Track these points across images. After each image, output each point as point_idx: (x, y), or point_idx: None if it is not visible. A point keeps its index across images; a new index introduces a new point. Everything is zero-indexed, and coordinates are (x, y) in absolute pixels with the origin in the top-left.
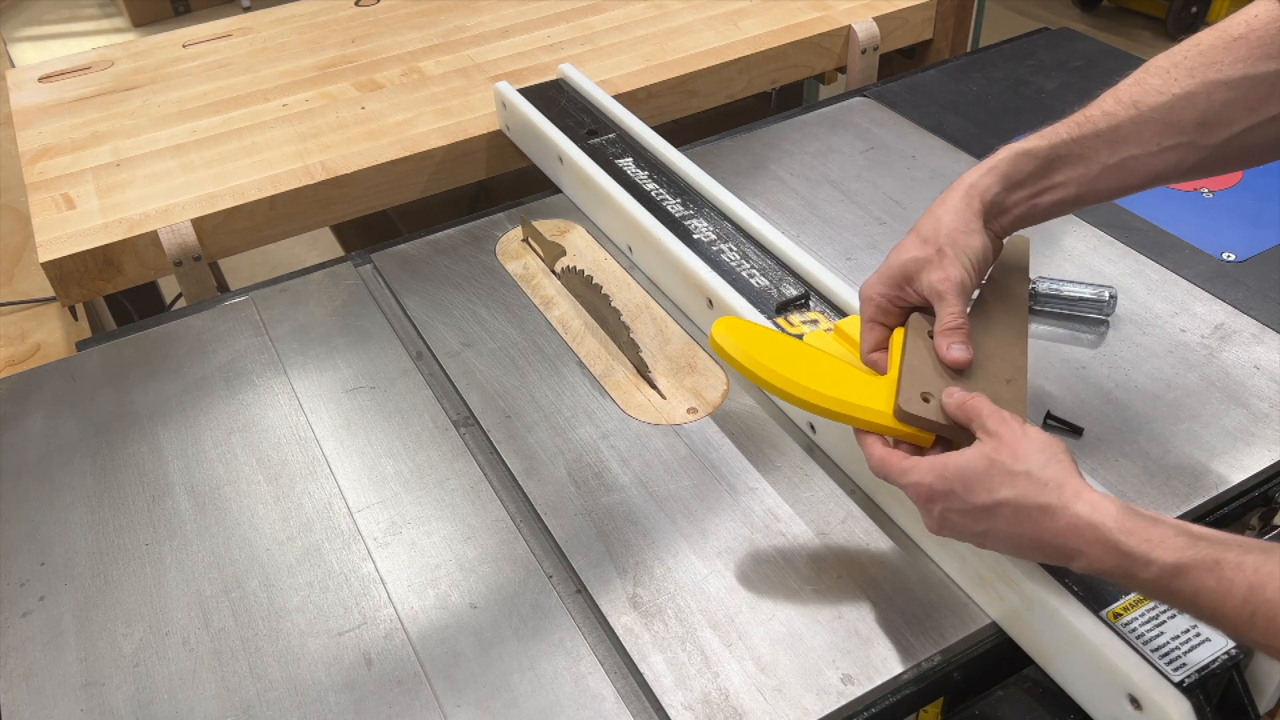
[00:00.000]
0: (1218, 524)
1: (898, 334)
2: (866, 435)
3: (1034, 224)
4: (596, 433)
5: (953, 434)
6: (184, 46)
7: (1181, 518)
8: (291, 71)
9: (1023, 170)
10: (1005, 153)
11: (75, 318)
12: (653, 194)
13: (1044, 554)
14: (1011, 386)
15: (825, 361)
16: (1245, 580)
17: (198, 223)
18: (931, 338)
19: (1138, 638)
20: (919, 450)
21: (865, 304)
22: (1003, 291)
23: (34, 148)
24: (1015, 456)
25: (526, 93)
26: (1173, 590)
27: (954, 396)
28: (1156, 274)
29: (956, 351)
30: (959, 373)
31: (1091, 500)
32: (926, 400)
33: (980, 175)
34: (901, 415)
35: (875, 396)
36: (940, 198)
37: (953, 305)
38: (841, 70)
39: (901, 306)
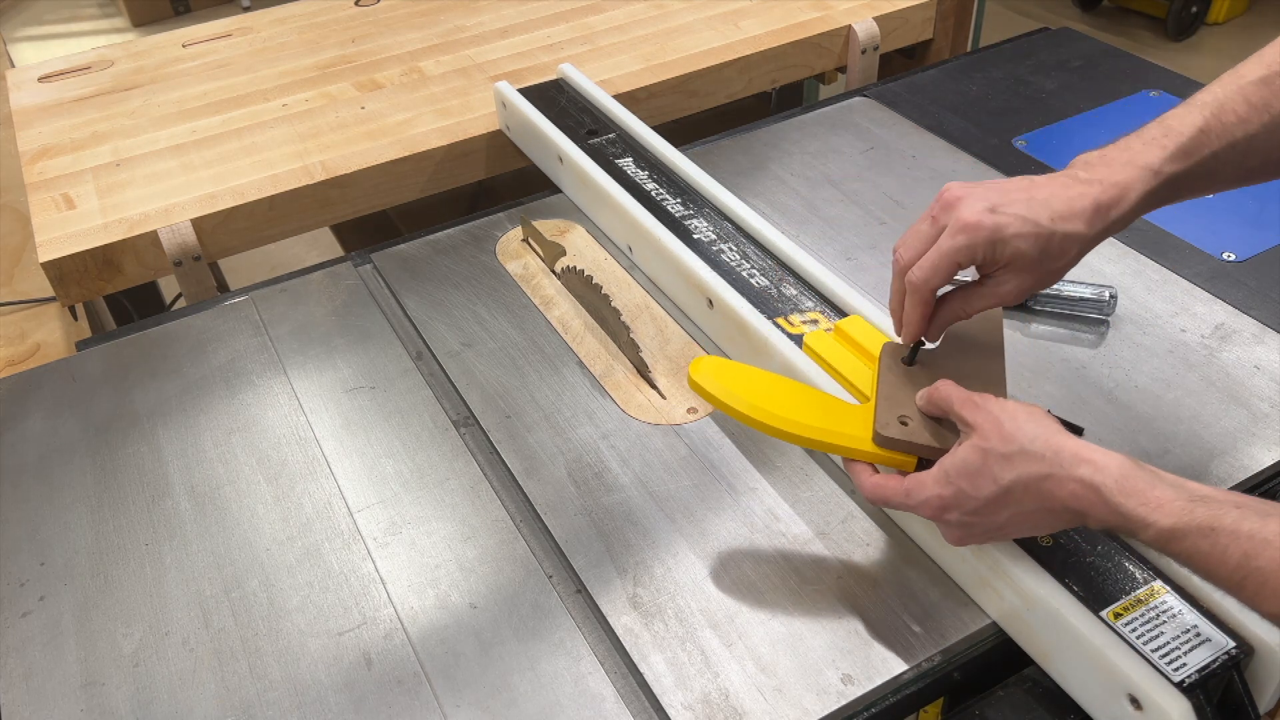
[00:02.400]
0: None
1: (873, 362)
2: (855, 464)
3: None
4: (596, 433)
5: (933, 454)
6: (184, 46)
7: None
8: (291, 71)
9: (1157, 197)
10: (1149, 180)
11: (75, 318)
12: (653, 194)
13: (1060, 521)
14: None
15: (804, 393)
16: (1239, 549)
17: (198, 223)
18: (905, 364)
19: (1138, 638)
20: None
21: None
22: (977, 320)
23: (34, 148)
24: (1004, 439)
25: (526, 93)
26: (1170, 551)
27: (926, 394)
28: (1156, 274)
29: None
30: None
31: (1092, 461)
32: (905, 424)
33: (1114, 200)
34: (880, 440)
35: (856, 424)
36: (1069, 199)
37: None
38: (841, 70)
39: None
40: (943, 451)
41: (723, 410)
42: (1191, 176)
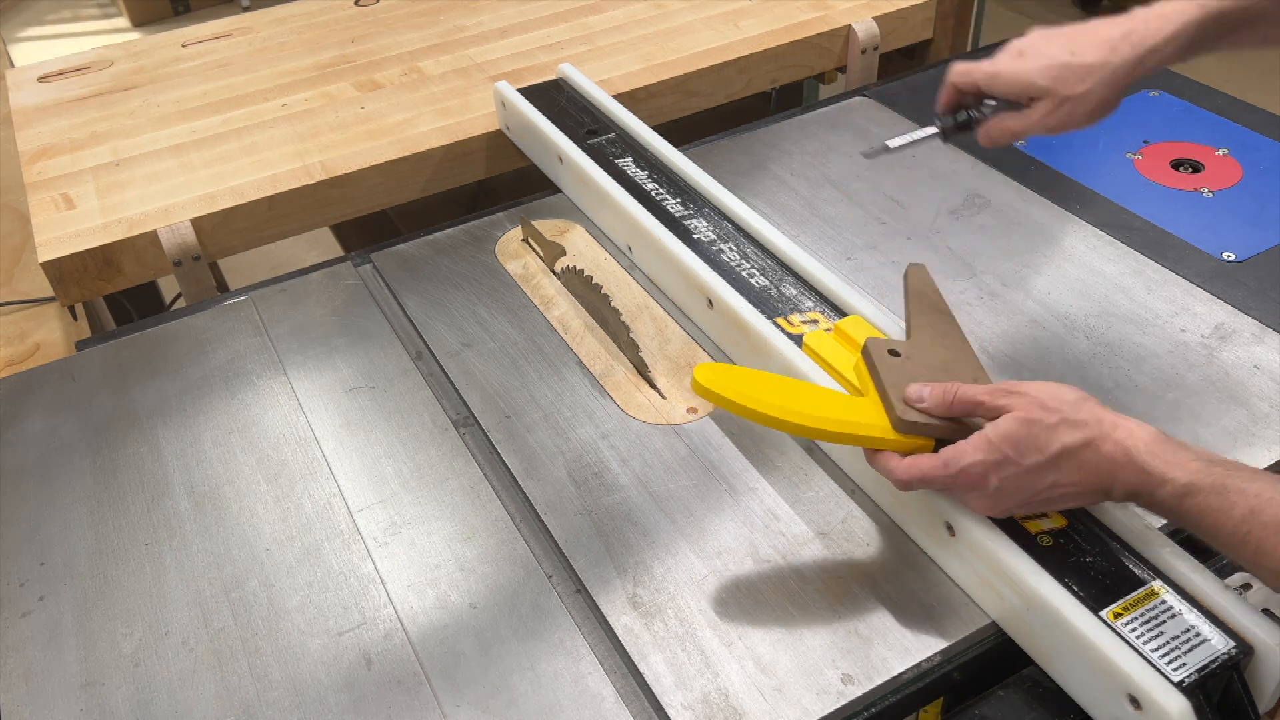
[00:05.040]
0: None
1: (860, 359)
2: (879, 453)
3: None
4: (596, 433)
5: (953, 433)
6: (183, 46)
7: None
8: (291, 71)
9: (1199, 32)
10: (1191, 10)
11: (75, 318)
12: (652, 194)
13: (1088, 493)
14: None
15: (810, 390)
16: (1246, 504)
17: (197, 223)
18: (892, 355)
19: (1137, 638)
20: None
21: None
22: (930, 311)
23: (34, 148)
24: (1047, 411)
25: (526, 92)
26: (1183, 509)
27: (930, 396)
28: (1156, 274)
29: None
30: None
31: (1127, 428)
32: (919, 408)
33: (1149, 30)
34: (903, 426)
35: (867, 415)
36: (1097, 28)
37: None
38: (841, 70)
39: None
40: (962, 428)
41: (736, 412)
42: (1233, 16)
